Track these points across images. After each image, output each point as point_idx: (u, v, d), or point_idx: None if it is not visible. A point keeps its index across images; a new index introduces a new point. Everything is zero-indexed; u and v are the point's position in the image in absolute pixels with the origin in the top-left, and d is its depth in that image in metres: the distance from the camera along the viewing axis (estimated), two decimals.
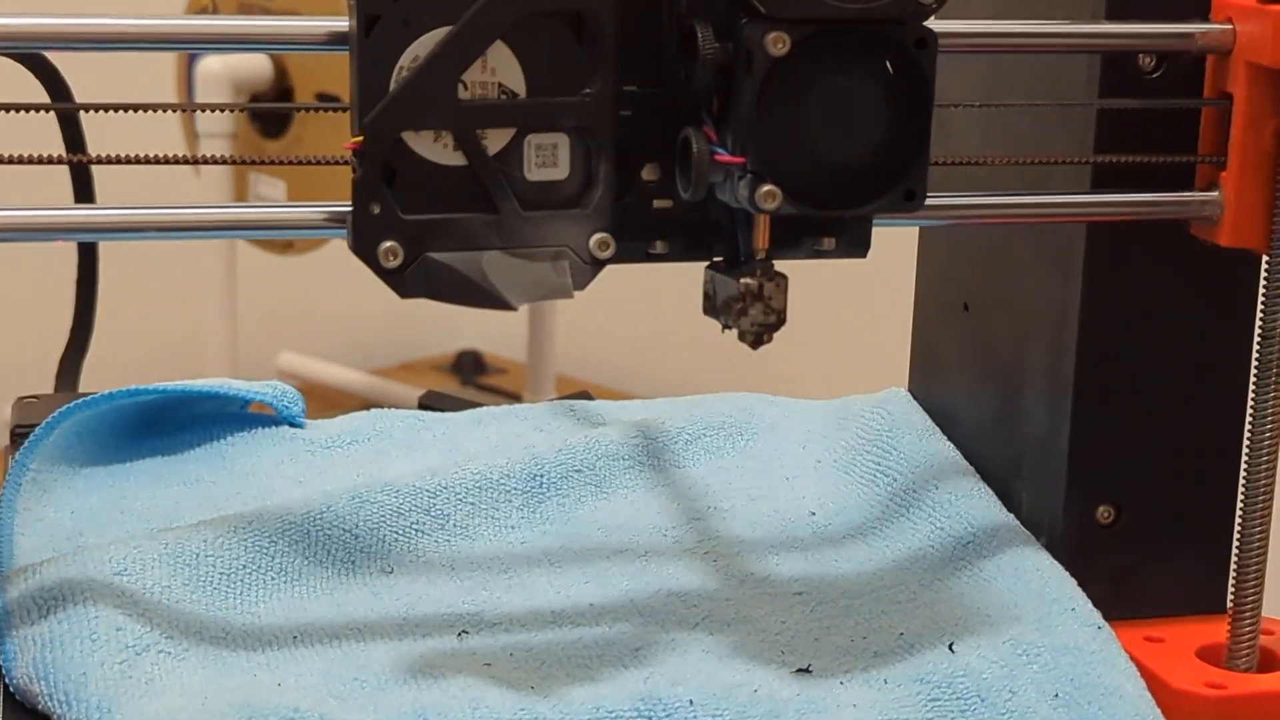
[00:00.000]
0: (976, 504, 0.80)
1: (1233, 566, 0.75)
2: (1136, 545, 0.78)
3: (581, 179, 0.65)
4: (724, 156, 0.65)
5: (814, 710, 0.67)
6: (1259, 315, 0.73)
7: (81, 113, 0.78)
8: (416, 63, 0.62)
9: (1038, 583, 0.75)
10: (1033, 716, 0.68)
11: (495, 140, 0.64)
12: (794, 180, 0.64)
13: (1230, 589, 0.75)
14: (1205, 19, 0.73)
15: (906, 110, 0.65)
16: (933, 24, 0.69)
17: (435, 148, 0.64)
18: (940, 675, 0.69)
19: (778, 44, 0.63)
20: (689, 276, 0.69)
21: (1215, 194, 0.73)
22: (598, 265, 0.66)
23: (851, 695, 0.68)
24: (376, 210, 0.63)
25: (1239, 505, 0.74)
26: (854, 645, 0.72)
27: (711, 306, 0.68)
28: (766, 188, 0.64)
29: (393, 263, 0.64)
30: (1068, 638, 0.72)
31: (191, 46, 0.66)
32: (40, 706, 0.66)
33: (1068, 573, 0.76)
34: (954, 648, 0.71)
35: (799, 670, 0.70)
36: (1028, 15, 0.77)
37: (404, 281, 0.64)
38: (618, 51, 0.64)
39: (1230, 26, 0.72)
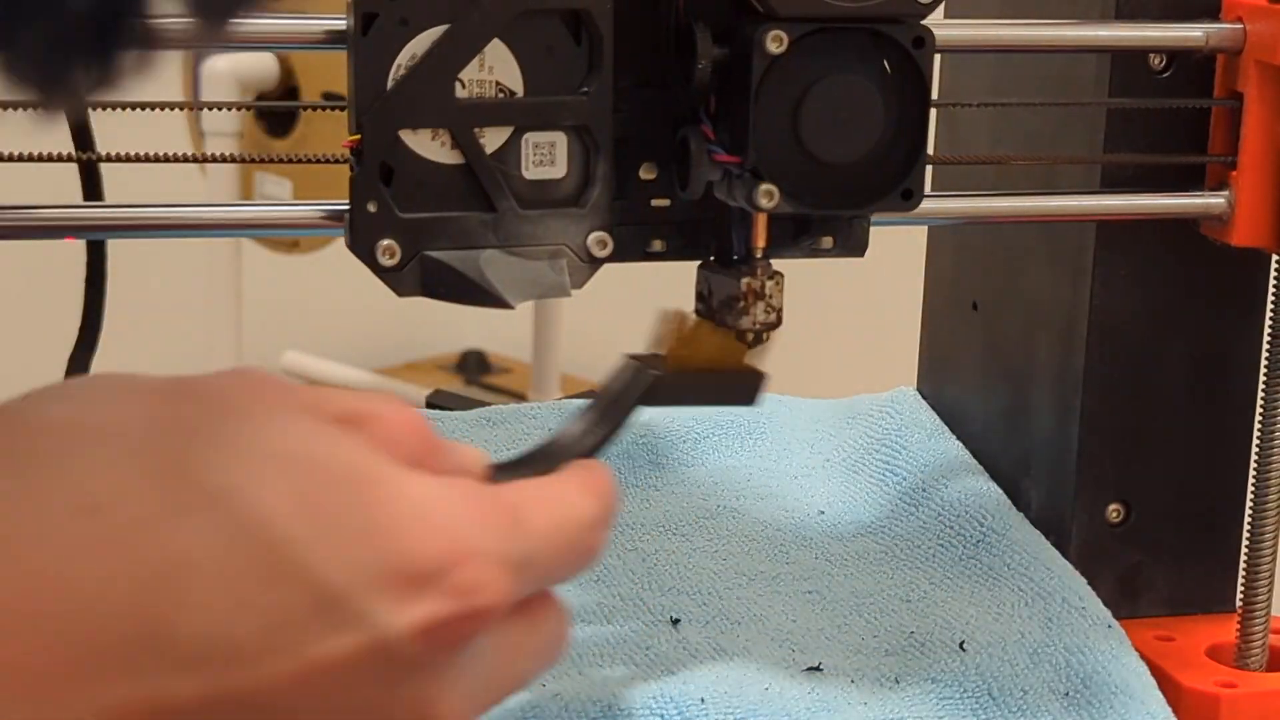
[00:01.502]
0: (986, 503, 0.80)
1: (1243, 565, 0.75)
2: (1146, 544, 0.78)
3: (579, 178, 0.65)
4: (721, 155, 0.65)
5: (825, 709, 0.67)
6: (1269, 314, 0.73)
7: (89, 110, 0.77)
8: (414, 61, 0.62)
9: (1048, 581, 0.75)
10: (1044, 716, 0.68)
11: (493, 139, 0.64)
12: (791, 179, 0.64)
13: (1240, 587, 0.75)
14: (1215, 18, 0.73)
15: (904, 109, 0.65)
16: (945, 25, 0.69)
17: (433, 146, 0.64)
18: (951, 674, 0.69)
19: (776, 42, 0.63)
20: (694, 275, 0.69)
21: (1225, 194, 0.73)
22: (595, 264, 0.66)
23: (862, 694, 0.68)
24: (374, 208, 0.63)
25: (1249, 503, 0.74)
26: (864, 644, 0.72)
27: (706, 306, 0.68)
28: (764, 187, 0.64)
29: (390, 261, 0.64)
30: (1078, 637, 0.72)
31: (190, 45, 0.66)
32: None
33: (1077, 571, 0.76)
34: (964, 646, 0.71)
35: (810, 669, 0.70)
36: (1038, 15, 0.77)
37: (401, 280, 0.64)
38: (615, 50, 0.64)
39: (1240, 26, 0.72)
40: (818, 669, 0.70)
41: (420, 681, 0.48)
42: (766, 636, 0.72)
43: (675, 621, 0.73)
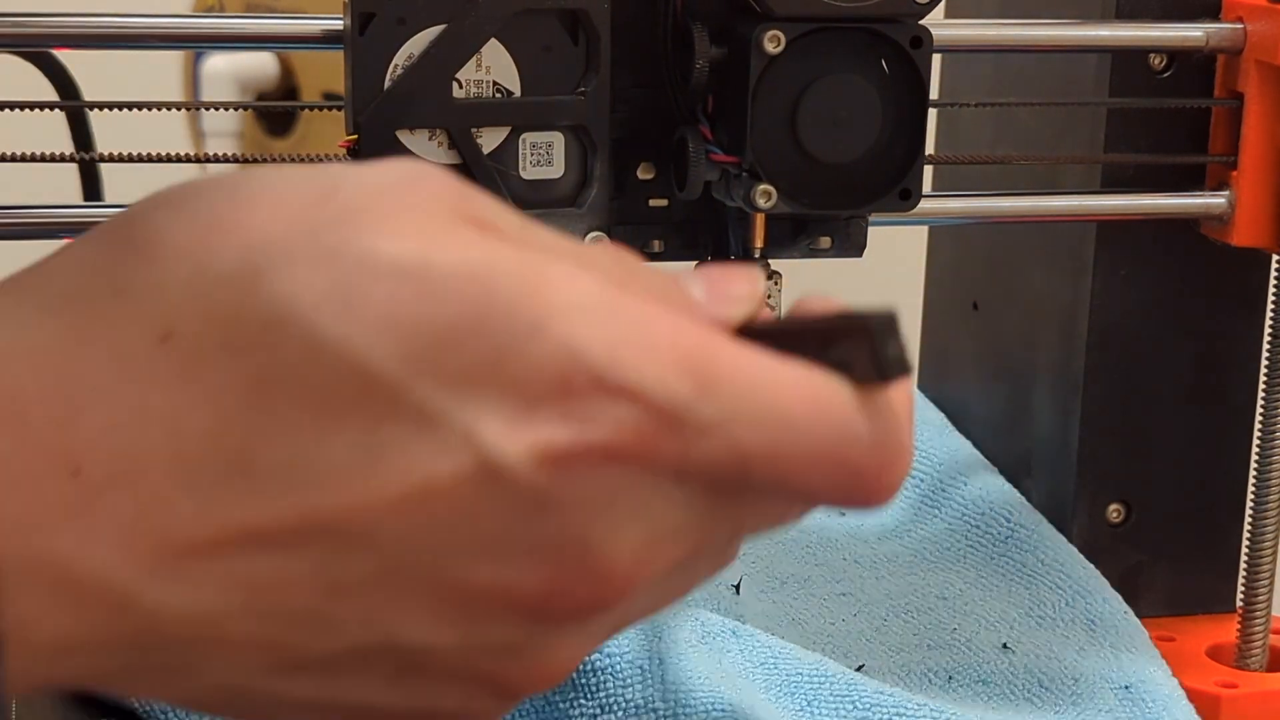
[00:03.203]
0: (1008, 499, 0.79)
1: (1243, 565, 0.75)
2: (1146, 544, 0.78)
3: (577, 177, 0.65)
4: (719, 155, 0.65)
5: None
6: (1269, 314, 0.73)
7: (89, 111, 0.78)
8: (411, 61, 0.62)
9: (1086, 580, 0.74)
10: (1100, 712, 0.68)
11: (490, 139, 0.64)
12: (789, 179, 0.64)
13: (1241, 588, 0.75)
14: (1215, 18, 0.73)
15: (902, 109, 0.65)
16: (945, 25, 0.69)
17: (430, 146, 0.64)
18: (1000, 675, 0.69)
19: (773, 42, 0.63)
20: None
21: (1226, 194, 0.73)
22: None
23: (911, 693, 0.68)
24: None
25: (1249, 504, 0.74)
26: (906, 643, 0.72)
27: None
28: (762, 187, 0.64)
29: None
30: (1123, 637, 0.71)
31: (190, 45, 0.66)
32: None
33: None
34: (1007, 646, 0.71)
35: (856, 669, 0.69)
36: (1038, 15, 0.77)
37: None
38: (613, 50, 0.64)
39: (1240, 26, 0.72)
40: (860, 670, 0.69)
41: (564, 519, 0.41)
42: (809, 640, 0.72)
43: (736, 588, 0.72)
